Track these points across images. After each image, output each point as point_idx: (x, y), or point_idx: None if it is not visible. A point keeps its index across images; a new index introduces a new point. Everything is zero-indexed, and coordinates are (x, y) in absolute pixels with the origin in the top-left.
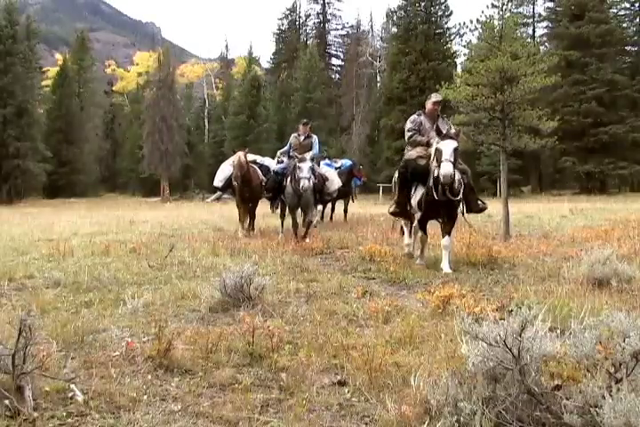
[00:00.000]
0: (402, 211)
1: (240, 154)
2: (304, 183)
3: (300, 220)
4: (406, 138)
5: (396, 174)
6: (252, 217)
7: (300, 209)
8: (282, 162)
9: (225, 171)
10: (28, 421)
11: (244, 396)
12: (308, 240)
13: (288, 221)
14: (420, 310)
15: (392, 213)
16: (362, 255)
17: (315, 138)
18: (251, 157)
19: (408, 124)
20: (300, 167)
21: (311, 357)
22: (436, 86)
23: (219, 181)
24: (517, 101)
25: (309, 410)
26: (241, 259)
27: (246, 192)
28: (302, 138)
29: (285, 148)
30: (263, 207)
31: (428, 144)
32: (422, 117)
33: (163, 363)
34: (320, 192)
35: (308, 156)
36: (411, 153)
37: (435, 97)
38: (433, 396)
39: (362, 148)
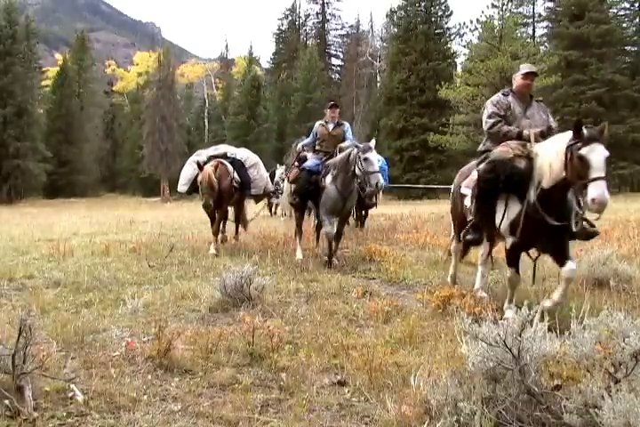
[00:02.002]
0: (481, 236)
1: (209, 171)
2: (378, 180)
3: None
4: (486, 127)
5: (468, 182)
6: (243, 220)
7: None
8: (304, 157)
9: (187, 172)
10: (27, 421)
11: (244, 396)
12: (336, 261)
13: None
14: (419, 310)
15: (469, 242)
16: (362, 255)
17: (347, 126)
18: (222, 148)
19: (489, 108)
20: (366, 159)
21: (311, 357)
22: (435, 86)
23: (182, 185)
24: None
25: (309, 410)
26: (241, 259)
27: (216, 197)
28: (331, 126)
29: (308, 139)
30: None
31: (521, 137)
32: (510, 98)
33: (163, 363)
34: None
35: (372, 143)
36: (501, 150)
37: (527, 67)
38: (433, 396)
39: None
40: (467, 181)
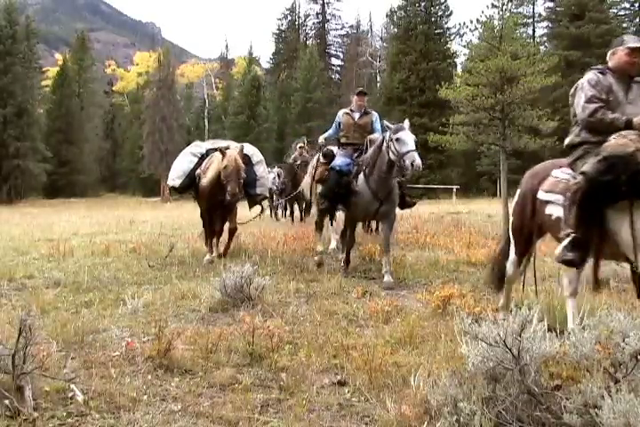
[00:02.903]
0: (584, 255)
1: (235, 155)
2: (414, 160)
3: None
4: (585, 114)
5: (551, 185)
6: (234, 229)
7: (363, 222)
8: (331, 153)
9: (183, 164)
10: (27, 421)
11: (244, 396)
12: (390, 278)
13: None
14: (420, 310)
15: (568, 262)
16: (362, 255)
17: (375, 116)
18: (223, 142)
19: (588, 90)
20: (399, 139)
21: (311, 357)
22: (435, 86)
23: (176, 178)
24: (517, 101)
25: (309, 410)
26: (241, 259)
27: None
28: (357, 115)
29: (330, 131)
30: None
31: (631, 127)
32: (610, 78)
33: (163, 363)
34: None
35: (405, 123)
36: (617, 143)
37: (634, 40)
38: (433, 396)
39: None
40: (549, 185)
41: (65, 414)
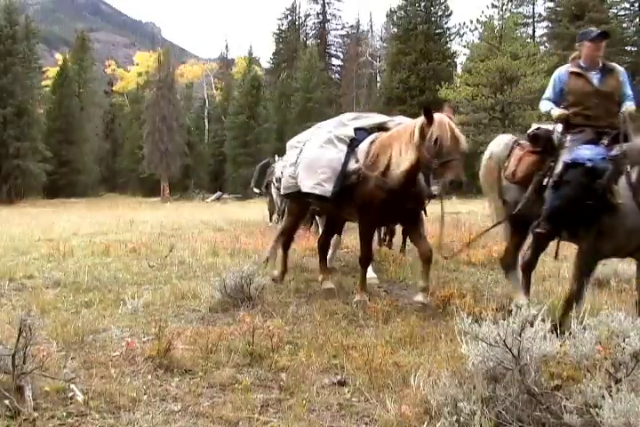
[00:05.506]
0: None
1: (446, 120)
2: None
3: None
4: None
5: None
6: (429, 253)
7: None
8: (547, 134)
9: (330, 157)
10: (27, 421)
11: (244, 396)
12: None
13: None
14: (420, 310)
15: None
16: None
17: (622, 73)
18: (370, 116)
19: None
20: None
21: (311, 357)
22: (435, 86)
23: (323, 182)
24: (517, 101)
25: (309, 410)
26: (241, 259)
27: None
28: (595, 75)
29: (546, 102)
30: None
31: None
32: None
33: (163, 363)
34: None
35: None
36: None
37: None
38: (433, 396)
39: None
40: None
41: (65, 414)
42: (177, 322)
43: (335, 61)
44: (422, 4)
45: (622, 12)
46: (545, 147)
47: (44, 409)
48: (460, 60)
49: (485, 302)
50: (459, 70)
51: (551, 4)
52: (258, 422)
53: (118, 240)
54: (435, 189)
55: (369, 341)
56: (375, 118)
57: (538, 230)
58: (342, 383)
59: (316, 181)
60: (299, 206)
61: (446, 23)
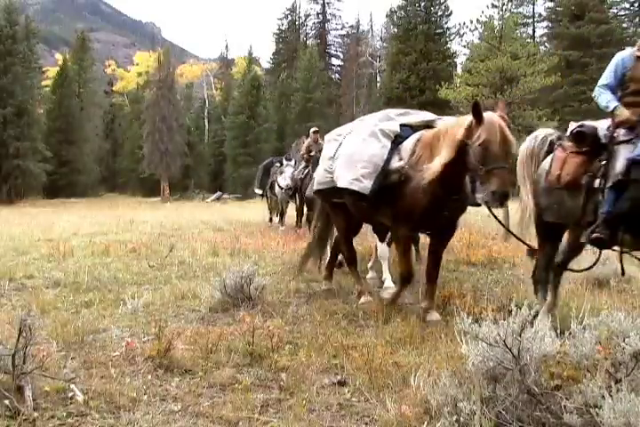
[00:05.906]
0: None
1: (498, 120)
2: None
3: None
4: None
5: None
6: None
7: None
8: (594, 131)
9: (374, 151)
10: (27, 421)
11: (244, 396)
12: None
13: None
14: (420, 310)
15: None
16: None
17: None
18: (414, 117)
19: None
20: None
21: (311, 357)
22: (435, 86)
23: (362, 177)
24: (517, 101)
25: (309, 410)
26: (241, 259)
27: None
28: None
29: (602, 90)
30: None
31: None
32: None
33: (163, 363)
34: None
35: None
36: None
37: None
38: (433, 396)
39: None
40: None
41: (65, 414)
42: (177, 322)
43: (335, 61)
44: (422, 4)
45: (622, 12)
46: (592, 146)
47: (43, 409)
48: (460, 60)
49: (485, 302)
50: (459, 70)
51: (551, 4)
52: (258, 423)
53: (118, 240)
54: (479, 197)
55: (369, 341)
56: (423, 116)
57: (595, 236)
58: (342, 383)
59: (355, 176)
60: (333, 209)
61: (446, 23)
